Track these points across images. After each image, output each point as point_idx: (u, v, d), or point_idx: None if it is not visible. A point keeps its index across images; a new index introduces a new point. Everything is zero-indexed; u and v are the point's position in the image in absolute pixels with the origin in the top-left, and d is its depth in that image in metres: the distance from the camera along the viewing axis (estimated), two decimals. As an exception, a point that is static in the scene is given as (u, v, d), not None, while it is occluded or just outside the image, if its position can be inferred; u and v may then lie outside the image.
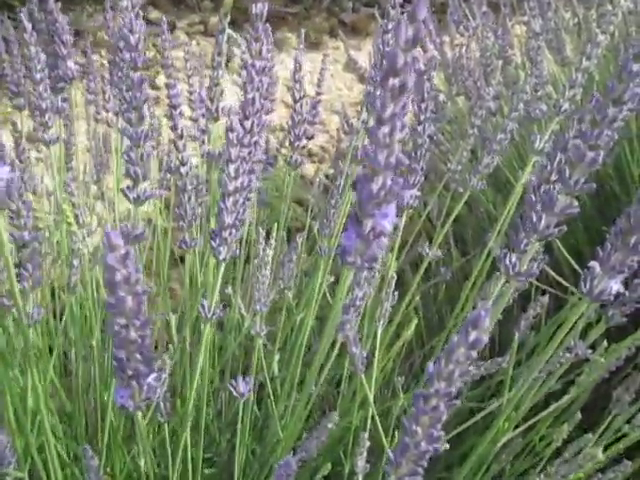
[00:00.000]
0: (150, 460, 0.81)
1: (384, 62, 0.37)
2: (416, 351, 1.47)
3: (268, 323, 1.20)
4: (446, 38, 2.38)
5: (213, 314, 0.67)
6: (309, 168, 2.90)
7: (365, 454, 0.60)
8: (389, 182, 0.39)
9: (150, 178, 0.69)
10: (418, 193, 0.90)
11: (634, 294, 0.80)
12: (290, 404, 0.99)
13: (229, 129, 0.55)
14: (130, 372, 0.46)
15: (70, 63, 1.02)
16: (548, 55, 2.00)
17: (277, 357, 1.14)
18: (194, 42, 3.97)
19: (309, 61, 3.97)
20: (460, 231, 2.07)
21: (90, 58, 1.58)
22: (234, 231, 0.62)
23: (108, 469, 1.08)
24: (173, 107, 1.26)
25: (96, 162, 1.75)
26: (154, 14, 3.96)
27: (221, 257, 0.63)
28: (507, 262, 0.55)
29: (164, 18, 1.24)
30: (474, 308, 0.90)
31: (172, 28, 4.09)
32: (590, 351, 0.87)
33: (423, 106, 0.84)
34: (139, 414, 0.54)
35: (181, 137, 0.74)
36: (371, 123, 0.84)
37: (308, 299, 1.06)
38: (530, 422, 1.00)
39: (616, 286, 0.52)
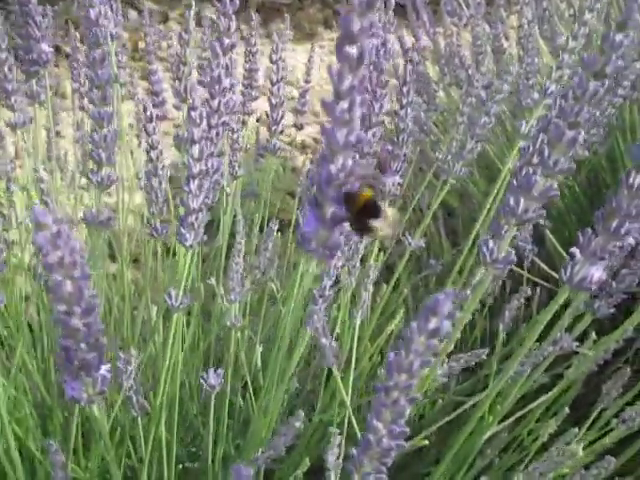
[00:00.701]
0: (117, 456, 0.79)
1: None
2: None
3: (255, 314, 1.18)
4: (440, 29, 2.35)
5: (181, 304, 0.64)
6: (302, 159, 2.86)
7: (337, 450, 0.57)
8: (349, 163, 0.36)
9: (116, 161, 0.66)
10: (401, 180, 0.87)
11: (621, 285, 0.78)
12: (271, 398, 0.96)
13: (191, 107, 0.52)
14: (77, 363, 0.43)
15: (44, 46, 0.99)
16: (543, 46, 1.97)
17: (260, 349, 1.11)
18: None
19: (304, 52, 3.93)
20: (453, 223, 2.04)
21: (75, 46, 1.55)
22: (200, 216, 0.59)
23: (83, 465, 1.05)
24: (155, 94, 1.23)
25: (82, 152, 1.71)
26: (147, 5, 3.91)
27: (187, 243, 0.60)
28: (484, 249, 0.52)
29: (147, 5, 1.21)
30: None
31: (165, 19, 4.05)
32: (577, 344, 0.85)
33: (405, 89, 0.81)
34: (95, 407, 0.51)
35: (150, 120, 0.71)
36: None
37: (290, 289, 1.03)
38: (517, 415, 0.98)
39: (597, 273, 0.50)
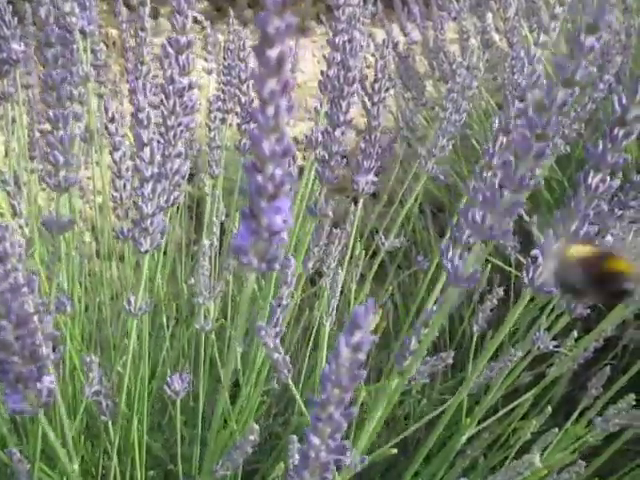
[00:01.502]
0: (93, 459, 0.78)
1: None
2: (392, 343, 1.43)
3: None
4: (430, 23, 2.32)
5: (139, 309, 0.63)
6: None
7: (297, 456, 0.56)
8: (279, 173, 0.34)
9: (76, 163, 0.64)
10: (375, 179, 0.85)
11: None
12: (247, 403, 0.95)
13: (137, 109, 0.51)
14: (13, 376, 0.41)
15: (14, 45, 0.97)
16: (530, 39, 1.95)
17: (239, 351, 1.10)
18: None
19: (297, 47, 3.90)
20: (442, 219, 2.03)
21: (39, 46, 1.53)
22: (155, 221, 0.58)
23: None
24: (133, 92, 1.22)
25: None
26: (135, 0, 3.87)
27: (143, 249, 0.58)
28: (449, 265, 0.49)
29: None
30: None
31: (155, 15, 4.01)
32: (555, 343, 0.83)
33: (376, 86, 0.79)
34: (41, 417, 0.49)
35: (112, 120, 0.70)
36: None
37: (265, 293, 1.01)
38: (499, 415, 0.97)
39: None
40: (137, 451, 0.83)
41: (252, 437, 0.54)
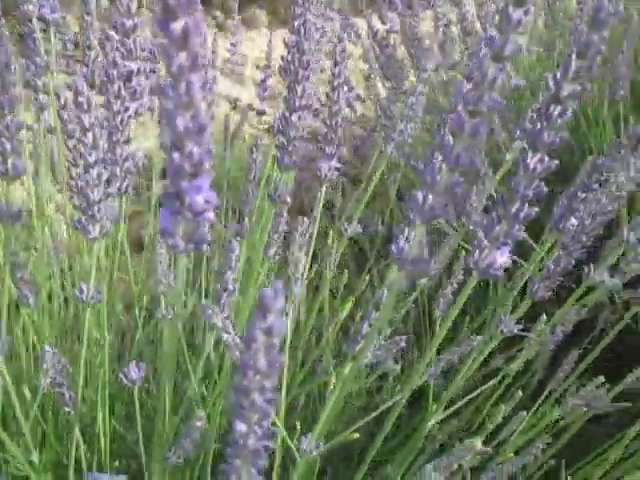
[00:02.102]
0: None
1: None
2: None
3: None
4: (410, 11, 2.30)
5: (92, 298, 0.62)
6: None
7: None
8: (197, 151, 0.33)
9: (22, 152, 0.63)
10: (338, 165, 0.84)
11: (557, 268, 0.76)
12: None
13: (76, 92, 0.50)
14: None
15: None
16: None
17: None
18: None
19: (279, 38, 3.86)
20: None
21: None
22: (103, 208, 0.57)
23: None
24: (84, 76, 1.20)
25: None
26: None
27: (90, 236, 0.57)
28: (394, 247, 0.49)
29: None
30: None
31: (139, 5, 3.97)
32: (520, 327, 0.83)
33: (336, 70, 0.78)
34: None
35: (64, 107, 0.68)
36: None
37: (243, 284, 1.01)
38: (466, 400, 0.97)
39: (502, 259, 0.48)
40: (102, 441, 0.83)
41: (199, 424, 0.54)
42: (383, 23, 2.22)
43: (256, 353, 0.31)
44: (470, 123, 0.39)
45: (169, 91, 0.31)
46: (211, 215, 0.37)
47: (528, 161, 0.43)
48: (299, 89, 0.70)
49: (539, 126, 0.41)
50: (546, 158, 0.42)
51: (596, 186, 0.81)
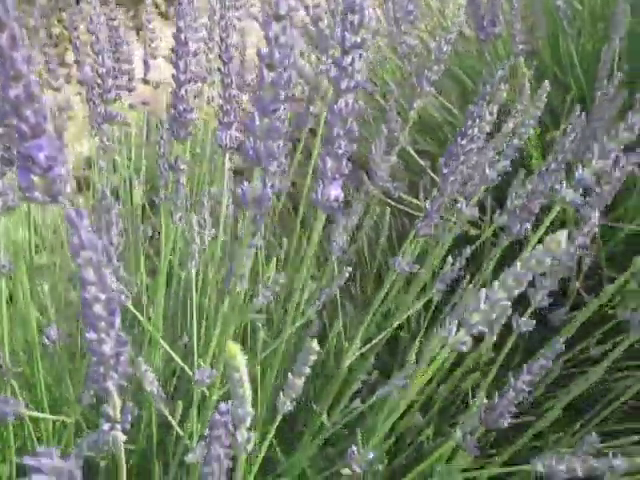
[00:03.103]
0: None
1: None
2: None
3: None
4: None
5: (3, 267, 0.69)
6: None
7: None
8: (32, 115, 0.41)
9: None
10: (237, 134, 0.92)
11: (434, 207, 0.85)
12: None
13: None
14: None
15: None
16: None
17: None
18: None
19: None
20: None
21: None
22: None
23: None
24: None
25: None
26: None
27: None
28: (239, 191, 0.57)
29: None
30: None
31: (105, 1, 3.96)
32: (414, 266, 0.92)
33: (223, 46, 0.86)
34: None
35: None
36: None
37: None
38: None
39: (335, 192, 0.56)
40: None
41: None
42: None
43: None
44: (268, 75, 0.48)
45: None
46: (62, 171, 0.45)
47: (335, 105, 0.51)
48: (182, 65, 0.77)
49: (337, 74, 0.50)
50: (351, 102, 0.51)
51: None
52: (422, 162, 1.44)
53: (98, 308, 0.41)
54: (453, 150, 0.89)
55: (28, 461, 0.35)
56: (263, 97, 0.49)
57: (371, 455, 0.68)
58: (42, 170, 0.43)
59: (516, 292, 0.46)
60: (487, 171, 0.99)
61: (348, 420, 0.89)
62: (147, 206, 1.50)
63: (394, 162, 1.20)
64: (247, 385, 0.38)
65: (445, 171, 0.88)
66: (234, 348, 0.35)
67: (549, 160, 0.88)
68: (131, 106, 1.73)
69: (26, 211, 0.76)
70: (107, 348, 0.44)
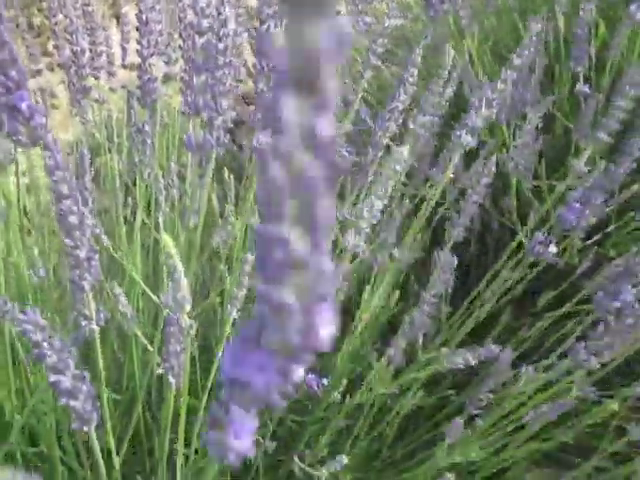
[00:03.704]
0: None
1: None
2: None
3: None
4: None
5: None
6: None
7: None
8: (14, 74, 0.54)
9: None
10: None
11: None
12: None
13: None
14: None
15: None
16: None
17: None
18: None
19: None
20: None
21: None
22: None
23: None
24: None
25: None
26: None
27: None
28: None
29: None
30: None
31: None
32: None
33: (144, 31, 0.98)
34: None
35: None
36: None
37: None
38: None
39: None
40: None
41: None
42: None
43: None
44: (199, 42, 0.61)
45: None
46: (42, 120, 0.58)
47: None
48: (144, 42, 0.90)
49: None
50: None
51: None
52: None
53: (73, 219, 0.54)
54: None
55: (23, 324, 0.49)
56: (195, 59, 0.62)
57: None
58: (25, 119, 0.56)
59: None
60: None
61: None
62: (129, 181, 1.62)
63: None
64: (181, 270, 0.51)
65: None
66: (168, 239, 0.48)
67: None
68: (111, 89, 1.85)
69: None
70: (82, 253, 0.57)
